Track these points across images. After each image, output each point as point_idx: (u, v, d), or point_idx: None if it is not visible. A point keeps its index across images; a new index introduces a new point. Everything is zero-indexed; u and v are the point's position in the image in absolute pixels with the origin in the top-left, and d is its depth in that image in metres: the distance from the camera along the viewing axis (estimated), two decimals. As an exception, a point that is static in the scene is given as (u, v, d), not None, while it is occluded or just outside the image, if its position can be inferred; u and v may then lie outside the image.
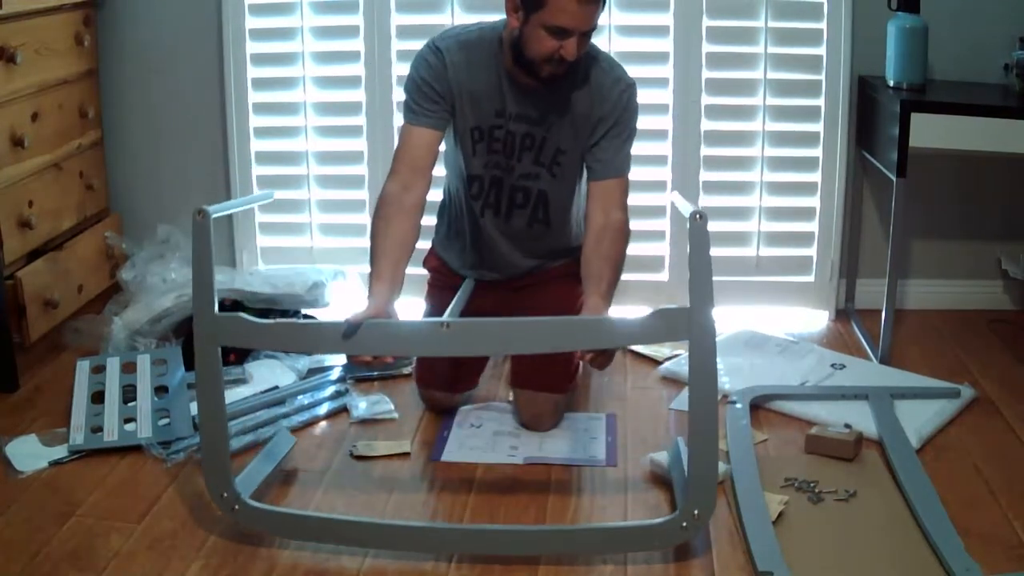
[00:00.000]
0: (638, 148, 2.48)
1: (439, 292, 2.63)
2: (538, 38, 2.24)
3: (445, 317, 2.10)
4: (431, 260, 2.71)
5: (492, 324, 2.06)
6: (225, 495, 2.06)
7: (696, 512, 1.99)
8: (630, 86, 2.42)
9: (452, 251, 2.64)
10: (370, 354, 2.04)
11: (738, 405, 2.59)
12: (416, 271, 3.21)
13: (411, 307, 3.21)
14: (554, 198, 2.48)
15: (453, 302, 2.34)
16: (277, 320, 2.21)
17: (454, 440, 2.51)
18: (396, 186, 2.32)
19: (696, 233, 1.91)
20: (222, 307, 2.92)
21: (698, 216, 1.90)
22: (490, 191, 2.47)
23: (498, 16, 3.36)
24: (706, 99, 3.16)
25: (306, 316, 3.11)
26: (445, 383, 2.65)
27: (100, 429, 2.49)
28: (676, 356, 2.91)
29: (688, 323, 1.94)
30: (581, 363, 2.55)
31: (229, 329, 2.03)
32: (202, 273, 2.00)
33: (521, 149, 2.43)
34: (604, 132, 2.39)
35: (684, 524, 1.99)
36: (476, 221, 2.53)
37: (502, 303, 2.57)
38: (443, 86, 2.36)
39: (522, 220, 2.50)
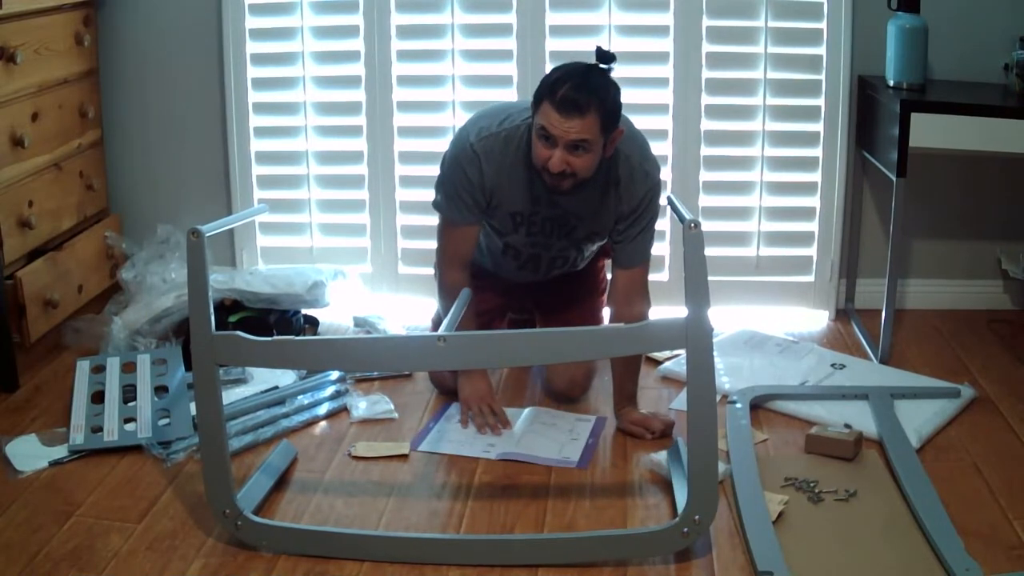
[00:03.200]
0: (638, 148, 2.49)
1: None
2: (535, 142, 2.32)
3: (441, 331, 2.12)
4: None
5: (488, 337, 2.10)
6: (227, 512, 2.05)
7: (697, 518, 1.99)
8: (654, 187, 2.49)
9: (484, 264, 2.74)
10: (371, 371, 2.03)
11: (738, 405, 2.59)
12: (421, 271, 3.23)
13: (421, 307, 3.23)
14: (589, 255, 2.71)
15: (450, 314, 2.35)
16: (276, 338, 2.20)
17: (436, 432, 2.55)
18: (453, 276, 2.57)
19: (691, 242, 1.92)
20: (222, 307, 2.92)
21: (692, 225, 1.91)
22: (528, 261, 2.64)
23: (493, 16, 3.34)
24: (706, 99, 3.16)
25: (306, 316, 3.11)
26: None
27: (100, 429, 2.49)
28: (676, 356, 2.91)
29: (685, 333, 1.94)
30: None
31: (227, 348, 2.02)
32: (198, 293, 1.99)
33: (559, 233, 2.54)
34: (627, 227, 2.49)
35: (685, 530, 1.99)
36: (502, 266, 2.69)
37: (535, 286, 2.75)
38: (481, 190, 2.47)
39: (559, 272, 2.70)
